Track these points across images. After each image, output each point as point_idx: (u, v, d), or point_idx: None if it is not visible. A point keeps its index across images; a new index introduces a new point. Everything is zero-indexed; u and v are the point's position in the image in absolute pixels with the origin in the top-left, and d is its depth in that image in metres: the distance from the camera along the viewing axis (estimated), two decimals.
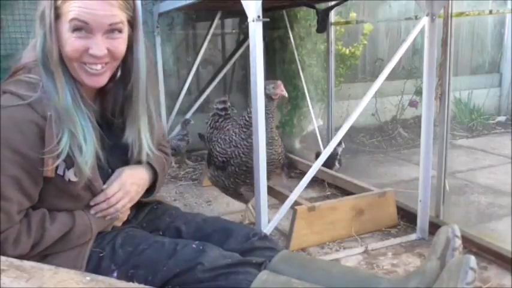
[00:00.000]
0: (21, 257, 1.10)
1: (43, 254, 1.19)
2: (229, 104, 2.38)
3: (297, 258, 1.38)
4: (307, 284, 1.20)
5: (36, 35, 1.14)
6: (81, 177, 1.14)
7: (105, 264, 1.22)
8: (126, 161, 1.30)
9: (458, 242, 1.22)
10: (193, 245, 1.24)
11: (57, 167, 1.12)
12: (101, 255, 1.23)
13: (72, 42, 1.09)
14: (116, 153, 1.28)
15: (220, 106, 2.36)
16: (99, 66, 1.14)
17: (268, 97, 1.96)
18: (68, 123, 1.11)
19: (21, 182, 1.09)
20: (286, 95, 2.01)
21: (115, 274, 1.20)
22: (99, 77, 1.16)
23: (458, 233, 1.23)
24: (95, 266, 1.22)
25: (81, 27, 1.09)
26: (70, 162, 1.13)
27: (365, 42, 3.64)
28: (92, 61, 1.13)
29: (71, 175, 1.14)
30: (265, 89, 1.86)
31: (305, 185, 1.96)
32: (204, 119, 2.50)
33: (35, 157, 1.08)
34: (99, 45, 1.11)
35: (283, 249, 1.38)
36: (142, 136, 1.27)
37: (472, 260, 1.11)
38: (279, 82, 1.99)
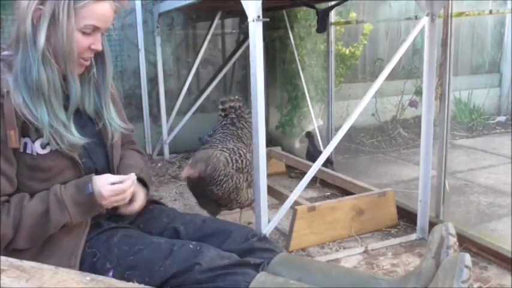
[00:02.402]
0: (9, 244, 1.16)
1: (37, 252, 1.19)
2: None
3: (295, 260, 1.38)
4: (306, 285, 1.20)
5: (28, 26, 1.17)
6: (73, 148, 1.23)
7: (100, 263, 1.23)
8: (100, 143, 1.36)
9: (452, 240, 1.20)
10: (190, 246, 1.24)
11: (25, 147, 1.19)
12: (96, 256, 1.24)
13: (80, 40, 1.21)
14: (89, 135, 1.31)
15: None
16: (90, 58, 1.28)
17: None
18: (46, 101, 1.19)
19: None
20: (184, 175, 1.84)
21: (110, 273, 1.20)
22: (84, 66, 1.29)
23: (453, 231, 1.22)
24: (90, 266, 1.22)
25: (92, 29, 1.21)
26: (35, 135, 1.19)
27: (365, 42, 3.64)
28: (90, 55, 1.26)
29: (38, 149, 1.20)
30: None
31: (305, 185, 1.96)
32: (204, 120, 2.50)
33: (2, 135, 1.13)
34: (99, 42, 1.25)
35: (282, 251, 1.38)
36: (113, 116, 1.36)
37: (467, 257, 1.10)
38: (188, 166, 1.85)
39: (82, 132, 1.26)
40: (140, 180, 1.40)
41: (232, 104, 2.17)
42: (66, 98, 1.26)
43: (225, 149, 1.93)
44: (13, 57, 1.20)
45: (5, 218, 1.15)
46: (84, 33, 1.20)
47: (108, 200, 1.24)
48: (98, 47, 1.25)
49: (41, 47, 1.16)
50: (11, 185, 1.18)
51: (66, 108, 1.25)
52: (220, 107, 2.22)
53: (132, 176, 1.28)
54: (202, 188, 1.87)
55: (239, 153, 1.97)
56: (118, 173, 1.39)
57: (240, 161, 1.94)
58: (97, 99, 1.34)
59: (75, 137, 1.22)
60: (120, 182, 1.26)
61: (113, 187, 1.24)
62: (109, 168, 1.38)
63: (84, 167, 1.29)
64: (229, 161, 1.90)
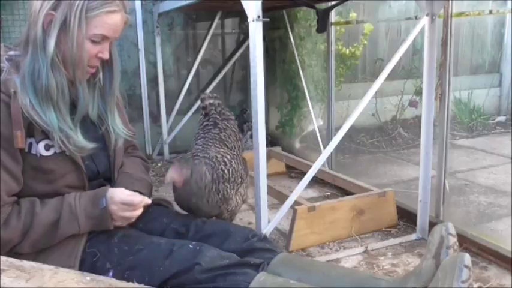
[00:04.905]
0: (13, 247, 1.17)
1: (36, 251, 1.19)
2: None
3: (296, 260, 1.38)
4: (306, 285, 1.20)
5: (39, 30, 1.17)
6: (81, 151, 1.24)
7: (100, 264, 1.23)
8: (103, 147, 1.36)
9: (452, 240, 1.21)
10: (190, 246, 1.24)
11: (30, 147, 1.19)
12: (96, 256, 1.24)
13: (88, 49, 1.22)
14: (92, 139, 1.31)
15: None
16: (97, 65, 1.28)
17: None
18: (54, 105, 1.20)
19: (4, 162, 1.14)
20: (178, 179, 1.58)
21: (110, 273, 1.20)
22: (90, 73, 1.29)
23: (453, 231, 1.22)
24: (90, 266, 1.22)
25: (101, 38, 1.22)
26: (40, 136, 1.19)
27: (365, 42, 3.64)
28: (96, 63, 1.27)
29: (41, 150, 1.20)
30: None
31: (305, 185, 1.96)
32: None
33: (9, 134, 1.14)
34: (107, 51, 1.26)
35: (282, 251, 1.38)
36: (117, 122, 1.37)
37: (467, 257, 1.10)
38: (173, 166, 1.62)
39: (85, 136, 1.27)
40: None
41: (211, 101, 1.94)
42: (72, 103, 1.27)
43: (207, 160, 1.72)
44: (21, 58, 1.20)
45: (15, 222, 1.15)
46: (93, 41, 1.21)
47: (117, 214, 1.25)
48: (105, 55, 1.26)
49: (50, 52, 1.17)
50: (18, 184, 1.19)
51: (71, 113, 1.25)
52: (201, 104, 1.97)
53: (144, 200, 1.29)
54: (188, 203, 1.67)
55: (224, 161, 1.74)
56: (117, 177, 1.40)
57: (226, 171, 1.72)
58: (101, 105, 1.35)
59: (82, 141, 1.23)
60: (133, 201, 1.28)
61: (122, 213, 1.25)
62: (110, 171, 1.39)
63: (87, 170, 1.29)
64: (214, 173, 1.69)
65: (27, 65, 1.18)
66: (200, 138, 1.86)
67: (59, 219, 1.19)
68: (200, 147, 1.80)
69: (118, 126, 1.37)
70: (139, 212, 1.28)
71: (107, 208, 1.24)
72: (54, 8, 1.16)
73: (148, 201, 1.30)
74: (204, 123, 1.91)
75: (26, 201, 1.19)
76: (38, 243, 1.19)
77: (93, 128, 1.34)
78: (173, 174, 1.58)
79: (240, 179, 1.79)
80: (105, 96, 1.35)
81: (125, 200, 1.25)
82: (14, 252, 1.17)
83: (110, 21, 1.21)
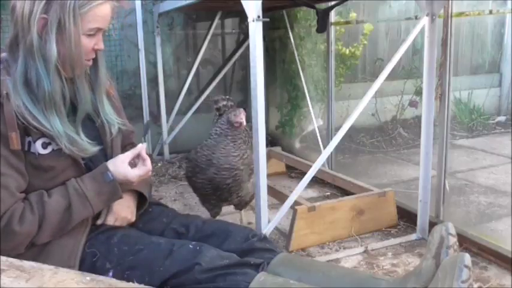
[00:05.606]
0: (30, 238, 1.17)
1: (35, 251, 1.19)
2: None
3: (295, 260, 1.38)
4: (306, 285, 1.20)
5: (34, 34, 1.16)
6: (86, 153, 1.25)
7: (100, 264, 1.23)
8: (99, 143, 1.34)
9: (452, 240, 1.20)
10: (190, 246, 1.24)
11: (29, 146, 1.19)
12: (96, 256, 1.24)
13: (85, 44, 1.21)
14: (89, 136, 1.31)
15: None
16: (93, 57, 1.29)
17: (230, 124, 1.95)
18: (55, 107, 1.19)
19: (9, 159, 1.14)
20: (245, 123, 1.96)
21: (110, 274, 1.20)
22: (87, 67, 1.30)
23: (453, 231, 1.22)
24: (90, 266, 1.22)
25: (95, 31, 1.22)
26: (36, 135, 1.18)
27: (365, 42, 3.64)
28: (93, 56, 1.27)
29: (39, 149, 1.20)
30: (227, 116, 1.96)
31: (305, 185, 1.96)
32: (204, 120, 2.48)
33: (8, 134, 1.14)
34: (101, 41, 1.26)
35: (282, 251, 1.38)
36: (107, 111, 1.36)
37: (467, 257, 1.10)
38: (241, 110, 1.97)
39: (83, 132, 1.27)
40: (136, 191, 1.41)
41: (225, 102, 2.15)
42: (70, 103, 1.27)
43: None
44: (10, 62, 1.19)
45: (30, 216, 1.15)
46: (88, 35, 1.21)
47: (136, 181, 1.30)
48: (101, 46, 1.26)
49: (54, 57, 1.16)
50: (25, 180, 1.19)
51: (68, 113, 1.25)
52: (215, 106, 2.18)
53: (143, 147, 1.32)
54: (202, 181, 1.96)
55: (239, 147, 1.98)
56: None
57: (219, 158, 1.95)
58: (92, 96, 1.33)
59: (86, 144, 1.24)
60: (135, 156, 1.30)
61: (138, 172, 1.28)
62: None
63: (85, 167, 1.29)
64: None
65: (19, 71, 1.16)
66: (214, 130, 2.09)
67: (70, 204, 1.20)
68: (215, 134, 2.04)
69: (109, 116, 1.37)
70: (149, 162, 1.30)
71: (115, 180, 1.25)
72: (46, 11, 1.15)
73: (144, 145, 1.32)
74: (218, 120, 2.12)
75: (33, 194, 1.20)
76: (56, 231, 1.20)
77: (89, 122, 1.34)
78: (243, 117, 1.94)
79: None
80: (94, 86, 1.34)
81: (129, 158, 1.28)
82: (32, 244, 1.18)
83: (101, 13, 1.21)
